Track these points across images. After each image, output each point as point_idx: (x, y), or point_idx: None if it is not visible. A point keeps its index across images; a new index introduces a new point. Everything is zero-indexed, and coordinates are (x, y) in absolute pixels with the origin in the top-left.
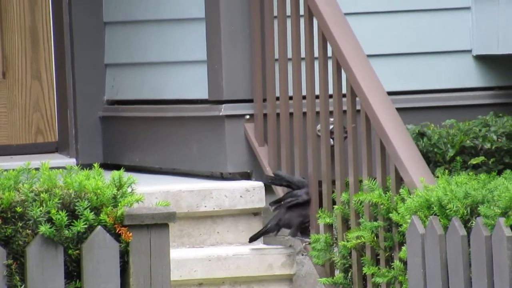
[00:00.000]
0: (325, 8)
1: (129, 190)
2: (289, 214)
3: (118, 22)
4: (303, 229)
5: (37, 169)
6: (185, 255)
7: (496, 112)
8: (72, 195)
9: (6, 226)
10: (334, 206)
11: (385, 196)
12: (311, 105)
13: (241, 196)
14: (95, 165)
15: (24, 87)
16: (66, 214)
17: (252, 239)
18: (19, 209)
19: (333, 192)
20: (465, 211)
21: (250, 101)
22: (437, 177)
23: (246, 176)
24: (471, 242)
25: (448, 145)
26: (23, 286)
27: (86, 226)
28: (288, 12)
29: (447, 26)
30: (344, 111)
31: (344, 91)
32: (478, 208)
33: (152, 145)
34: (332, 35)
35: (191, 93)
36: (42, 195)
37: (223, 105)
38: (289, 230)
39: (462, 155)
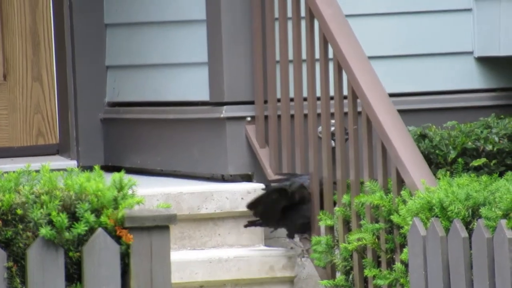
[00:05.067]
0: (326, 10)
1: (130, 192)
2: (289, 214)
3: (119, 24)
4: (304, 230)
5: (37, 171)
6: (186, 257)
7: (498, 113)
8: (73, 197)
9: (6, 228)
10: (335, 208)
11: (387, 198)
12: (312, 106)
13: (242, 198)
14: (96, 167)
15: (25, 89)
16: (67, 216)
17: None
18: (19, 211)
19: (334, 194)
20: (467, 213)
21: (251, 103)
22: (439, 178)
23: (247, 178)
24: (472, 244)
25: (450, 147)
26: None
27: (86, 228)
28: (289, 14)
29: (448, 28)
30: (345, 113)
31: (345, 92)
32: (480, 210)
33: (153, 147)
34: (333, 37)
35: (192, 95)
36: (42, 197)
37: (224, 107)
38: (287, 232)
39: (463, 157)
